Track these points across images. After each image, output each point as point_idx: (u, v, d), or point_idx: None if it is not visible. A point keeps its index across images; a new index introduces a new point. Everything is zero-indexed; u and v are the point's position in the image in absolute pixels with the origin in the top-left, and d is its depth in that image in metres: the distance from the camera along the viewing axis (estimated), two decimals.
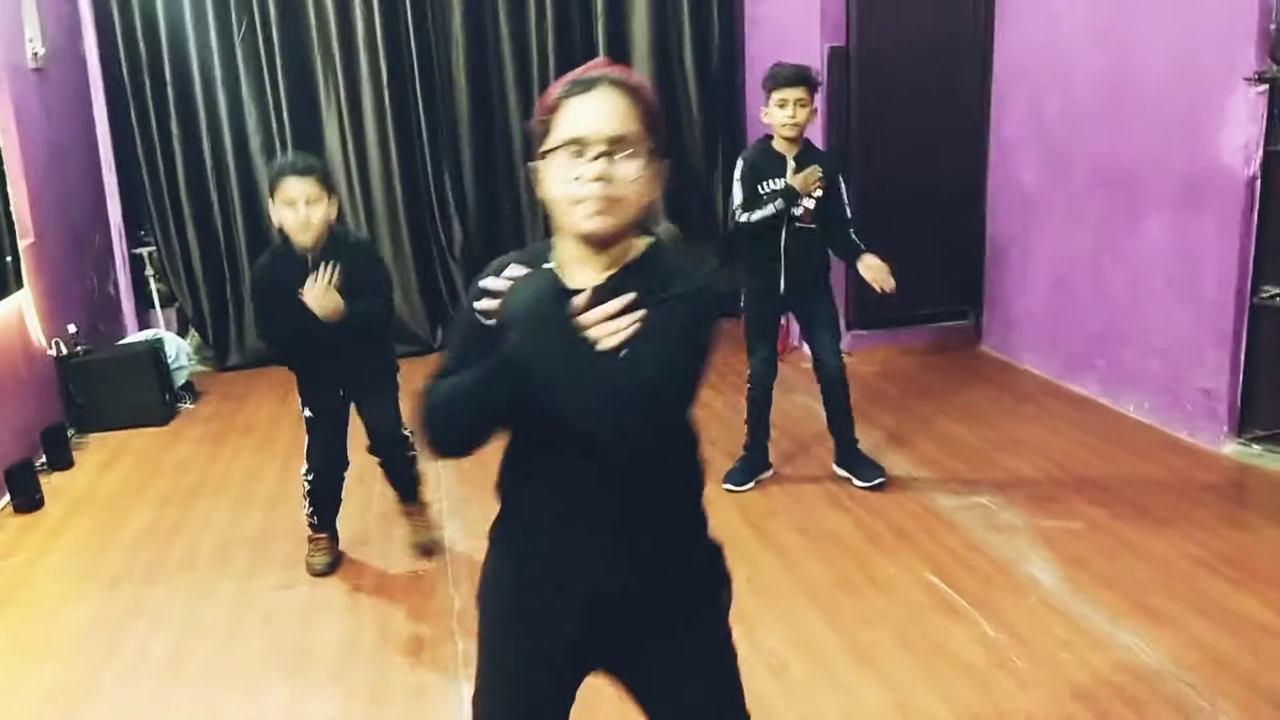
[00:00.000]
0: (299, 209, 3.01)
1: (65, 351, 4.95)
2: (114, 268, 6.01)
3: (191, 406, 5.39)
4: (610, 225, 1.41)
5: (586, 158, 1.39)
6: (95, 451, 4.77)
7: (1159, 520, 3.48)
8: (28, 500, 4.12)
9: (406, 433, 3.47)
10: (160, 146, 5.92)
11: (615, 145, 1.40)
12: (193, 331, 6.22)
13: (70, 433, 4.80)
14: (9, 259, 4.47)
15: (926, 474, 3.97)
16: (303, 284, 3.02)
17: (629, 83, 1.44)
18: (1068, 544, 3.35)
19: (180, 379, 5.46)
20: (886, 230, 5.16)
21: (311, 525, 3.52)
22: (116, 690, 2.85)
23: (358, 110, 6.02)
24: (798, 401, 4.70)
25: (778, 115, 3.58)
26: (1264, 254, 3.83)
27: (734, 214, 3.73)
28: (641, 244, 1.49)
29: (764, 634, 2.88)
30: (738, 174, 3.73)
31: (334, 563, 3.51)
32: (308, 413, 3.39)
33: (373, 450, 3.49)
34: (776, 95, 3.57)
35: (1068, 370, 4.86)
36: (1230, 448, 3.98)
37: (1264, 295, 3.84)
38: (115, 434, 4.95)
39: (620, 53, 6.15)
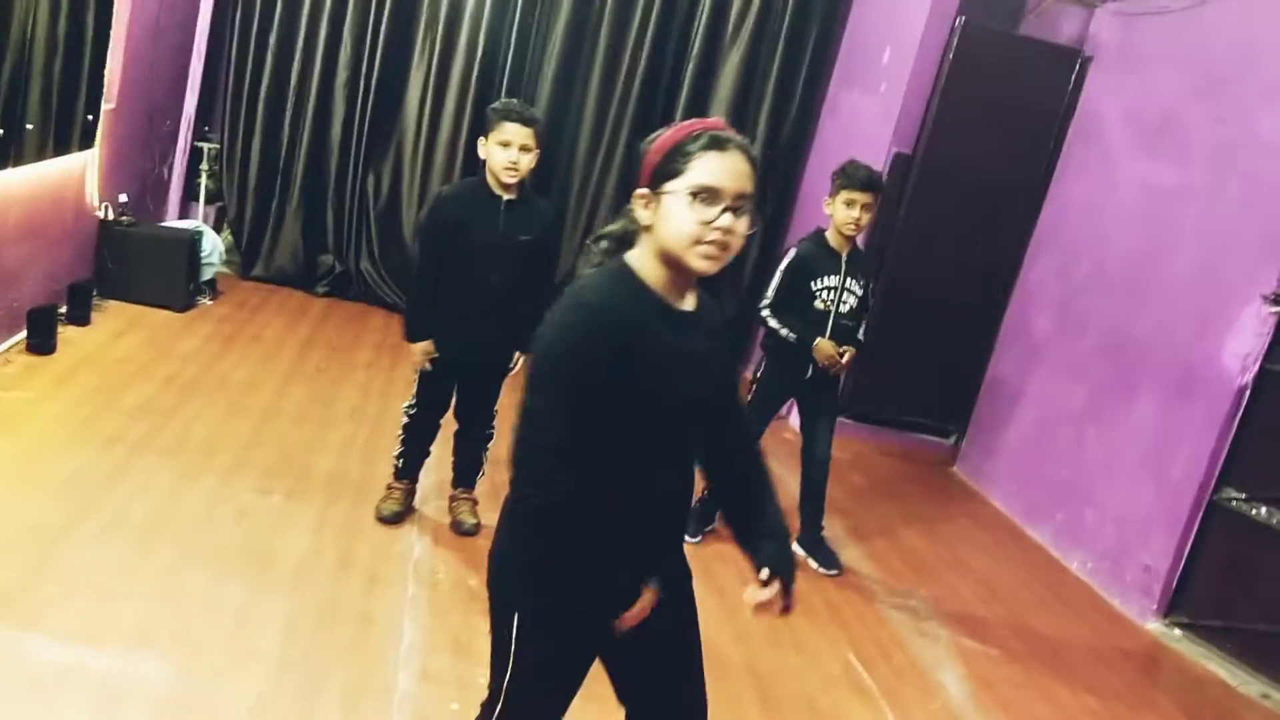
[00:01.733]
0: (512, 150, 3.17)
1: (112, 216, 5.13)
2: (174, 154, 6.21)
3: (210, 303, 5.58)
4: (718, 268, 1.67)
5: (716, 208, 1.63)
6: (113, 317, 4.96)
7: (1071, 671, 3.70)
8: (42, 343, 4.29)
9: (494, 412, 3.61)
10: (254, 54, 6.14)
11: (739, 201, 1.64)
12: (226, 232, 6.41)
13: (94, 294, 4.98)
14: (90, 117, 4.66)
15: (871, 568, 4.19)
16: (488, 221, 3.24)
17: (751, 150, 1.70)
18: (982, 665, 3.56)
19: (206, 274, 5.65)
20: (898, 333, 5.44)
21: (395, 469, 3.60)
22: (90, 542, 3.03)
23: (444, 77, 6.27)
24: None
25: (842, 213, 3.68)
26: (1234, 458, 4.08)
27: (763, 299, 3.86)
28: None
29: None
30: (784, 263, 3.82)
31: (403, 513, 3.60)
32: (428, 365, 3.44)
33: (459, 413, 3.59)
34: (846, 194, 3.66)
35: (1028, 514, 5.09)
36: (1154, 625, 4.20)
37: (1223, 495, 4.08)
38: (134, 307, 5.14)
39: (701, 104, 6.40)
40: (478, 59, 6.22)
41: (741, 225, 1.65)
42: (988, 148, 5.48)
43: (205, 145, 6.32)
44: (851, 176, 3.69)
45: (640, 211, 1.70)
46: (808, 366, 3.84)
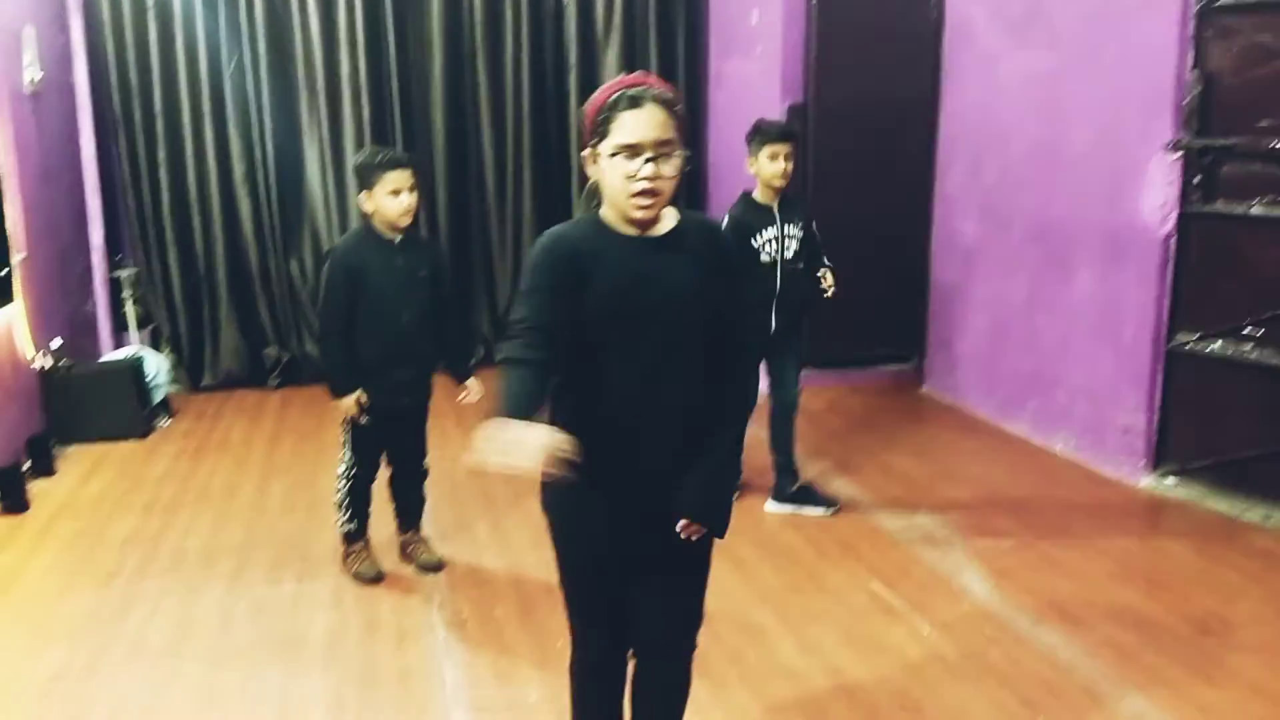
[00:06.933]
0: (403, 196, 3.34)
1: (50, 364, 5.12)
2: (93, 289, 6.18)
3: (168, 423, 5.57)
4: (654, 213, 1.89)
5: (639, 160, 1.82)
6: (76, 461, 4.93)
7: (1080, 541, 3.83)
8: (14, 503, 4.27)
9: (425, 449, 3.73)
10: (147, 173, 6.14)
11: (660, 149, 1.83)
12: (168, 351, 6.39)
13: (53, 443, 4.95)
14: (4, 272, 4.65)
15: (872, 499, 4.29)
16: (386, 264, 3.38)
17: (667, 98, 1.87)
18: (998, 559, 3.68)
19: (158, 396, 5.63)
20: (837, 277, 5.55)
21: (348, 534, 3.64)
22: (118, 674, 3.04)
23: (339, 143, 6.30)
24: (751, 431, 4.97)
25: (769, 168, 3.86)
26: (1178, 304, 4.23)
27: None
28: (670, 212, 1.95)
29: (721, 626, 3.13)
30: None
31: (381, 570, 3.63)
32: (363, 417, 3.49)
33: (392, 458, 3.69)
34: (769, 149, 3.86)
35: (1002, 410, 5.23)
36: (1147, 480, 4.35)
37: (1178, 342, 4.23)
38: (95, 446, 5.11)
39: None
40: (366, 118, 6.27)
41: (668, 167, 1.85)
42: (875, 76, 5.65)
43: (123, 274, 6.30)
44: (768, 132, 3.89)
45: (589, 168, 1.92)
46: (769, 322, 3.95)
